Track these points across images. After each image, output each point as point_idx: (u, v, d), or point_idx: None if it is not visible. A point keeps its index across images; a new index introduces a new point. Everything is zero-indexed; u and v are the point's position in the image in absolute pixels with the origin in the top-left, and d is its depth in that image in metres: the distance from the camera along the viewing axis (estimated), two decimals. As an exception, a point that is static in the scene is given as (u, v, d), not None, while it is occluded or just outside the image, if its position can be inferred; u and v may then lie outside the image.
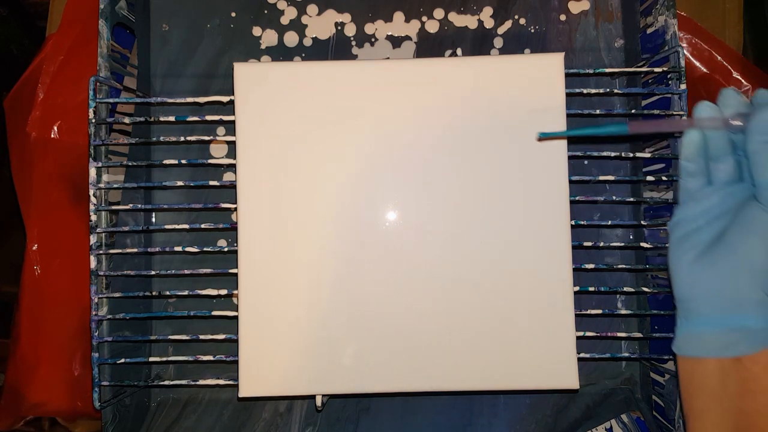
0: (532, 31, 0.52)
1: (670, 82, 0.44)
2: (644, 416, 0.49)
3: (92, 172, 0.43)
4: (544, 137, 0.39)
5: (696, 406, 0.33)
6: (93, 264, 0.43)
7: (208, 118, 0.44)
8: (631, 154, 0.43)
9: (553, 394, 0.50)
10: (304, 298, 0.41)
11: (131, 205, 0.46)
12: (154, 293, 0.44)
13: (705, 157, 0.34)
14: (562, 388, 0.40)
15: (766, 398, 0.30)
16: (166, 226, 0.46)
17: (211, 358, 0.43)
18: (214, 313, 0.43)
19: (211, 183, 0.43)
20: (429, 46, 0.52)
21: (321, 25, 0.52)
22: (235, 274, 0.41)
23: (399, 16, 0.52)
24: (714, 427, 0.32)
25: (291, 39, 0.52)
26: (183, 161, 0.44)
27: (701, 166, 0.34)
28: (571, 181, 0.41)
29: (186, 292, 0.43)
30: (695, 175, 0.34)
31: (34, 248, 0.52)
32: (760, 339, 0.31)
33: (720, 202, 0.33)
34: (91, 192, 0.43)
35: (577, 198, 0.42)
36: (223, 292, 0.43)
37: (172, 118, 0.44)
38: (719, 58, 0.52)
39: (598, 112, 0.43)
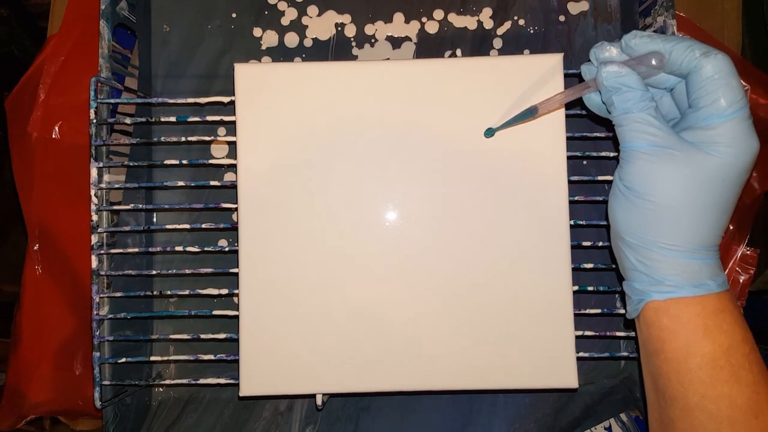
0: (532, 31, 0.52)
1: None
2: (643, 415, 0.49)
3: (93, 172, 0.44)
4: (489, 135, 0.40)
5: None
6: (94, 264, 0.43)
7: (209, 118, 0.44)
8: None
9: (552, 393, 0.51)
10: (304, 298, 0.41)
11: (132, 205, 0.46)
12: (155, 293, 0.44)
13: None
14: (562, 387, 0.40)
15: (658, 359, 0.31)
16: (167, 226, 0.47)
17: (212, 357, 0.43)
18: (215, 312, 0.44)
19: (212, 183, 0.43)
20: (429, 47, 0.52)
21: (321, 26, 0.53)
22: (236, 274, 0.41)
23: (399, 17, 0.53)
24: (646, 381, 0.34)
25: (291, 40, 0.53)
26: (184, 161, 0.44)
27: None
28: (570, 181, 0.41)
29: (187, 292, 0.44)
30: None
31: (35, 248, 0.53)
32: (635, 303, 0.32)
33: None
34: (92, 192, 0.44)
35: (576, 198, 0.42)
36: (224, 291, 0.43)
37: (173, 119, 0.45)
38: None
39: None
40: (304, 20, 0.53)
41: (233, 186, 0.42)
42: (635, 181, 0.31)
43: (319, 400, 0.42)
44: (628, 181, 0.31)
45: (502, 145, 0.41)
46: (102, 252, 0.44)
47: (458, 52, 0.52)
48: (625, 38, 0.33)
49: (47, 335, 0.52)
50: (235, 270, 0.42)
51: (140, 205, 0.49)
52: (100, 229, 0.44)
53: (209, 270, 0.43)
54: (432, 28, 0.52)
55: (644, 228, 0.31)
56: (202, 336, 0.43)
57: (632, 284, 0.32)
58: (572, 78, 0.48)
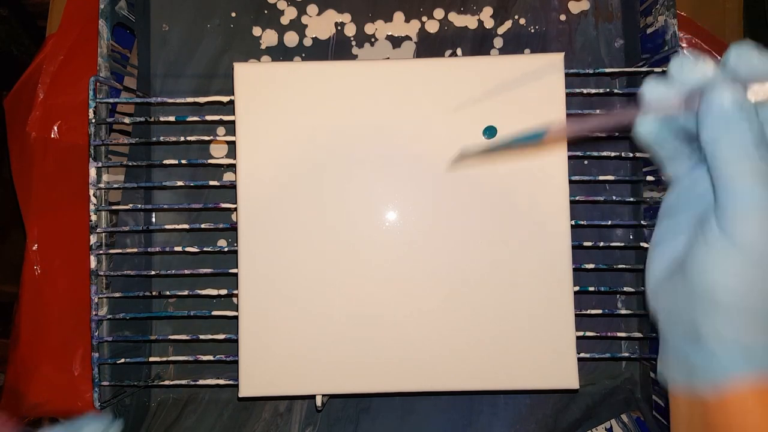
0: (532, 31, 0.52)
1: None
2: (644, 416, 0.49)
3: (92, 172, 0.43)
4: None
5: None
6: (93, 264, 0.43)
7: (208, 118, 0.44)
8: (631, 154, 0.43)
9: (553, 394, 0.50)
10: (304, 298, 0.41)
11: (131, 205, 0.46)
12: (154, 293, 0.44)
13: (674, 136, 0.26)
14: (562, 388, 0.40)
15: None
16: (166, 226, 0.46)
17: (211, 358, 0.43)
18: (214, 313, 0.43)
19: (211, 183, 0.43)
20: (429, 46, 0.52)
21: (321, 25, 0.52)
22: (235, 274, 0.41)
23: (399, 16, 0.52)
24: None
25: (291, 39, 0.53)
26: (183, 161, 0.44)
27: (672, 149, 0.26)
28: (571, 181, 0.41)
29: (186, 292, 0.43)
30: (673, 159, 0.27)
31: (34, 248, 0.52)
32: (712, 376, 0.25)
33: (687, 190, 0.27)
34: (91, 192, 0.43)
35: (577, 198, 0.42)
36: (223, 292, 0.43)
37: (172, 118, 0.44)
38: (719, 58, 0.52)
39: (598, 112, 0.43)
40: (304, 19, 0.52)
41: (232, 186, 0.42)
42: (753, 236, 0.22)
43: (318, 401, 0.42)
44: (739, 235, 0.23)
45: (503, 145, 0.41)
46: (101, 252, 0.43)
47: (459, 51, 0.52)
48: (733, 52, 0.24)
49: (46, 336, 0.52)
50: (234, 270, 0.42)
51: (139, 205, 0.49)
52: (99, 229, 0.44)
53: (208, 270, 0.43)
54: (432, 27, 0.52)
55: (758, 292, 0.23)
56: (202, 336, 0.43)
57: (712, 351, 0.25)
58: (573, 77, 0.48)
